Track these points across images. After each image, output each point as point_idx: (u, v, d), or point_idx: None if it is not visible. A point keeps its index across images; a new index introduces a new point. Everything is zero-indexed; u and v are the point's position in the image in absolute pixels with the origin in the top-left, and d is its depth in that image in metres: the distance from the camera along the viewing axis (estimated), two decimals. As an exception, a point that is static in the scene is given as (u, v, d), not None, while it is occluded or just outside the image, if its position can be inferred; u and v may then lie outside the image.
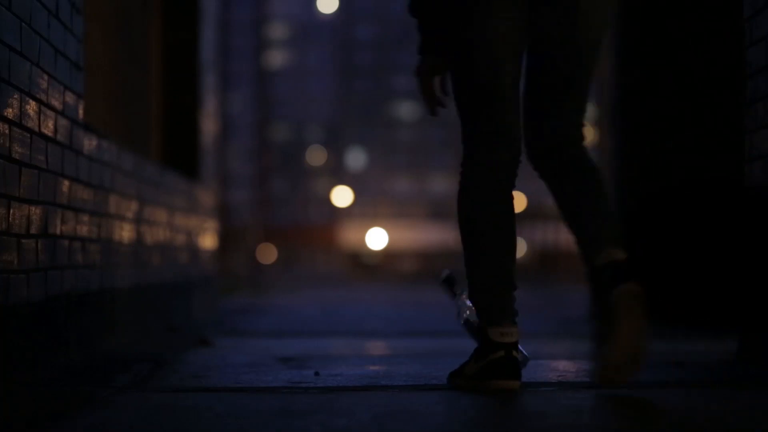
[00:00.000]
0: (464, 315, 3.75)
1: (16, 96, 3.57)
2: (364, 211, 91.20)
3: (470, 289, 3.49)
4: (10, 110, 3.52)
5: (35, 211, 3.81)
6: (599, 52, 3.50)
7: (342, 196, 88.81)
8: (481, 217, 3.48)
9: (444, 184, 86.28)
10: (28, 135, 3.72)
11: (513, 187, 3.54)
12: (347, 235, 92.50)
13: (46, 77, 3.94)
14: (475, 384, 3.40)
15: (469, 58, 3.41)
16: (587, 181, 3.47)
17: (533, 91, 3.52)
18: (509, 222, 3.52)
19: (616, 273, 3.30)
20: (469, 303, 3.71)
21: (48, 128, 3.98)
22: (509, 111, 3.45)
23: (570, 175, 3.49)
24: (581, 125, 3.53)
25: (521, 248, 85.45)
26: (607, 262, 3.33)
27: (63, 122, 4.20)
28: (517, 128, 3.48)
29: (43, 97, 3.90)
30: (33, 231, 3.78)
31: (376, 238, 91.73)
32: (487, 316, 3.45)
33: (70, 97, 4.31)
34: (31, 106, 3.75)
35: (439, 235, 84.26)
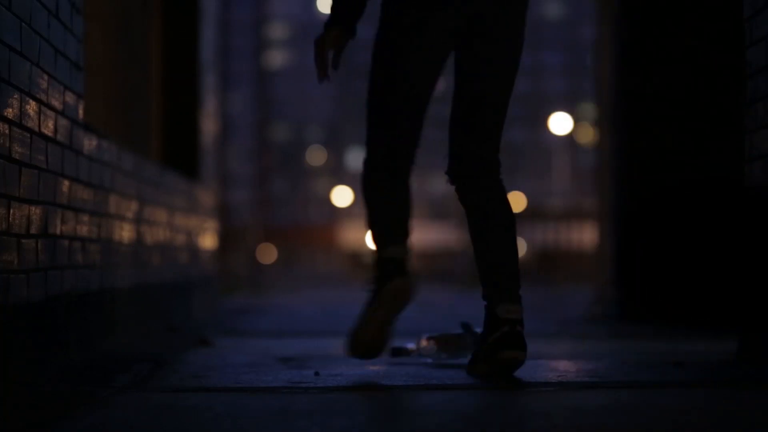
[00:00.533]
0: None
1: (16, 96, 3.57)
2: (364, 211, 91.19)
3: (374, 239, 4.07)
4: (10, 110, 3.52)
5: (35, 211, 3.81)
6: (509, 86, 3.90)
7: (342, 196, 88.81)
8: (379, 204, 4.02)
9: (444, 184, 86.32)
10: (28, 135, 3.72)
11: (408, 180, 4.01)
12: (347, 235, 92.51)
13: (46, 77, 3.94)
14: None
15: (387, 75, 3.87)
16: (497, 224, 3.94)
17: (452, 117, 3.95)
18: (404, 201, 4.01)
19: (506, 338, 3.78)
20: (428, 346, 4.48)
21: (48, 128, 3.98)
22: (411, 127, 3.91)
23: (481, 208, 3.94)
24: (494, 152, 3.93)
25: (521, 248, 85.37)
26: (506, 318, 3.81)
27: (63, 122, 4.20)
28: (415, 143, 3.96)
29: (43, 97, 3.90)
30: (33, 231, 3.78)
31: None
32: (382, 244, 4.01)
33: (70, 97, 4.31)
34: (31, 106, 3.75)
35: (439, 235, 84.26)
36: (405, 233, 4.01)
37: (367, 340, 3.97)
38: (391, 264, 3.98)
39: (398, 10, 3.81)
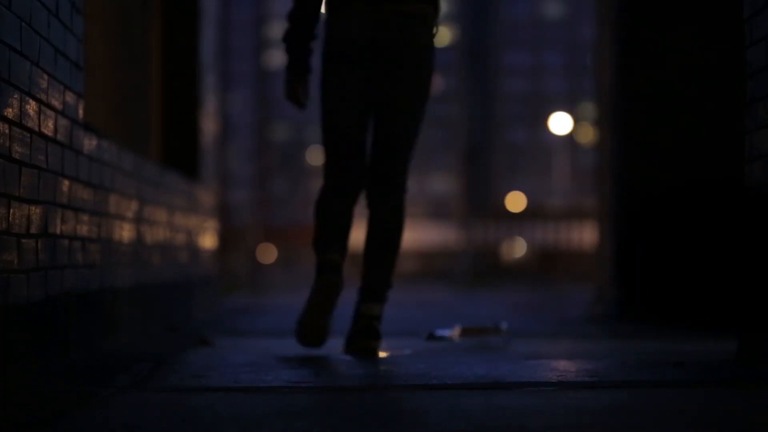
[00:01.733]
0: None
1: (16, 96, 3.58)
2: (363, 211, 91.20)
3: (316, 246, 4.85)
4: (10, 110, 3.52)
5: (35, 211, 3.81)
6: (417, 121, 4.79)
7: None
8: (327, 223, 4.85)
9: (444, 184, 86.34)
10: (28, 135, 3.72)
11: (354, 204, 4.87)
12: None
13: (46, 77, 3.94)
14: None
15: (325, 113, 4.76)
16: (386, 239, 4.87)
17: (372, 145, 4.84)
18: (346, 224, 4.87)
19: (363, 330, 4.76)
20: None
21: (48, 128, 3.98)
22: (353, 153, 4.76)
23: (379, 221, 4.88)
24: (400, 176, 4.83)
25: (521, 248, 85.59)
26: (366, 314, 4.78)
27: (63, 122, 4.20)
28: (359, 166, 4.80)
29: (43, 97, 3.91)
30: (33, 231, 3.78)
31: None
32: (322, 251, 4.83)
33: (70, 97, 4.31)
34: (31, 106, 3.75)
35: (439, 235, 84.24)
36: (343, 247, 4.86)
37: (310, 324, 4.71)
38: (328, 264, 4.78)
39: (325, 72, 4.77)
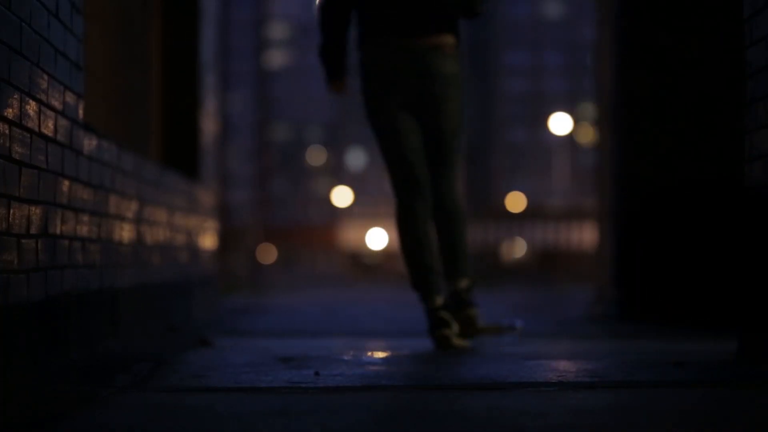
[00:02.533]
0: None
1: (16, 96, 3.58)
2: (364, 211, 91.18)
3: (411, 277, 5.38)
4: (10, 110, 3.52)
5: (35, 211, 3.81)
6: (457, 140, 5.42)
7: (342, 196, 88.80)
8: (411, 244, 5.37)
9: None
10: (28, 135, 3.72)
11: (428, 218, 5.37)
12: (347, 235, 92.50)
13: (46, 77, 3.94)
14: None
15: (383, 138, 5.35)
16: (451, 230, 5.44)
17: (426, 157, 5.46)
18: (427, 239, 5.37)
19: (458, 299, 5.43)
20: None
21: (48, 128, 3.98)
22: (417, 172, 5.35)
23: (442, 224, 5.45)
24: (451, 187, 5.44)
25: (521, 248, 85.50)
26: (456, 289, 5.44)
27: (63, 122, 4.20)
28: (424, 183, 5.36)
29: (43, 97, 3.91)
30: (33, 231, 3.78)
31: (376, 238, 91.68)
32: (420, 293, 5.37)
33: (70, 97, 4.31)
34: (31, 106, 3.75)
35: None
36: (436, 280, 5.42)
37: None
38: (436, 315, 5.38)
39: (370, 106, 5.37)
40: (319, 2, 5.53)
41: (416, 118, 5.35)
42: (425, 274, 5.32)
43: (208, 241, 8.84)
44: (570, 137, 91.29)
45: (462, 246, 5.45)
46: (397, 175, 5.36)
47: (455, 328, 5.24)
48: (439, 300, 5.28)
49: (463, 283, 5.44)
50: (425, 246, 5.34)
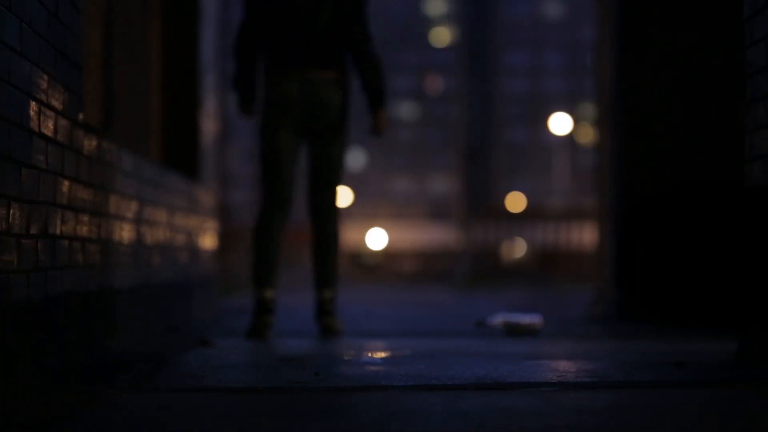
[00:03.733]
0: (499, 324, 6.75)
1: (16, 96, 3.58)
2: (364, 211, 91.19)
3: (252, 276, 6.31)
4: (10, 110, 3.52)
5: (35, 212, 3.81)
6: (342, 162, 6.45)
7: (342, 196, 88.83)
8: (263, 243, 6.30)
9: (444, 184, 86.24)
10: (28, 135, 3.72)
11: (283, 227, 6.34)
12: (347, 235, 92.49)
13: (46, 77, 3.94)
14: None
15: (263, 153, 6.33)
16: (325, 245, 6.46)
17: (308, 176, 6.46)
18: (275, 248, 6.33)
19: (323, 309, 6.44)
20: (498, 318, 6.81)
21: (48, 128, 3.98)
22: (288, 190, 6.34)
23: (319, 237, 6.47)
24: (331, 207, 6.45)
25: (521, 248, 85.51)
26: (322, 298, 6.45)
27: (63, 122, 4.20)
28: (287, 194, 6.33)
29: (43, 97, 3.91)
30: (33, 231, 3.78)
31: (376, 238, 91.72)
32: (257, 283, 6.30)
33: (70, 97, 4.31)
34: (31, 106, 3.76)
35: (439, 235, 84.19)
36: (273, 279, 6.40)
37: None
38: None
39: (265, 119, 6.32)
40: (234, 38, 6.48)
41: (308, 142, 6.37)
42: (268, 269, 6.30)
43: (208, 241, 8.84)
44: (570, 137, 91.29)
45: (333, 262, 6.47)
46: (270, 190, 6.31)
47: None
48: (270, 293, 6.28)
49: (329, 294, 6.46)
50: (276, 248, 6.32)
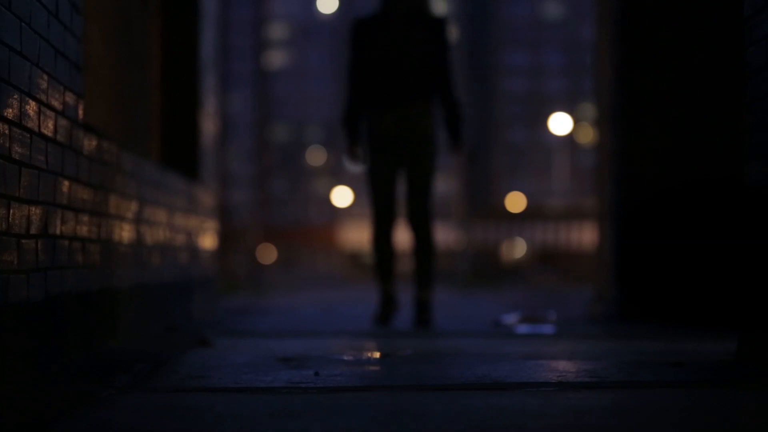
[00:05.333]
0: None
1: (16, 96, 3.58)
2: (364, 211, 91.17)
3: (377, 281, 7.58)
4: (10, 110, 3.52)
5: (35, 211, 3.81)
6: (430, 178, 7.47)
7: (342, 196, 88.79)
8: (382, 251, 7.55)
9: (444, 184, 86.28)
10: (28, 135, 3.72)
11: (393, 236, 7.47)
12: (347, 235, 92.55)
13: (46, 77, 3.94)
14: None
15: (370, 180, 7.47)
16: (423, 252, 7.50)
17: (405, 193, 7.51)
18: (391, 254, 7.54)
19: (420, 307, 7.46)
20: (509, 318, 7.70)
21: (48, 128, 3.98)
22: (390, 206, 7.47)
23: (419, 245, 7.50)
24: (424, 212, 7.47)
25: (521, 248, 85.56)
26: (420, 299, 7.46)
27: (63, 122, 4.20)
28: (392, 211, 7.48)
29: (43, 97, 3.91)
30: (33, 231, 3.78)
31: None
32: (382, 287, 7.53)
33: (70, 97, 4.31)
34: (31, 106, 3.75)
35: (439, 235, 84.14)
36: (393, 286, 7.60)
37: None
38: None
39: (371, 151, 7.44)
40: (345, 79, 7.51)
41: (405, 163, 7.38)
42: (389, 269, 7.56)
43: (208, 241, 8.83)
44: (570, 137, 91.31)
45: (432, 265, 7.48)
46: (377, 208, 7.45)
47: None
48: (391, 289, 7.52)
49: (425, 293, 7.44)
50: (391, 252, 7.50)
